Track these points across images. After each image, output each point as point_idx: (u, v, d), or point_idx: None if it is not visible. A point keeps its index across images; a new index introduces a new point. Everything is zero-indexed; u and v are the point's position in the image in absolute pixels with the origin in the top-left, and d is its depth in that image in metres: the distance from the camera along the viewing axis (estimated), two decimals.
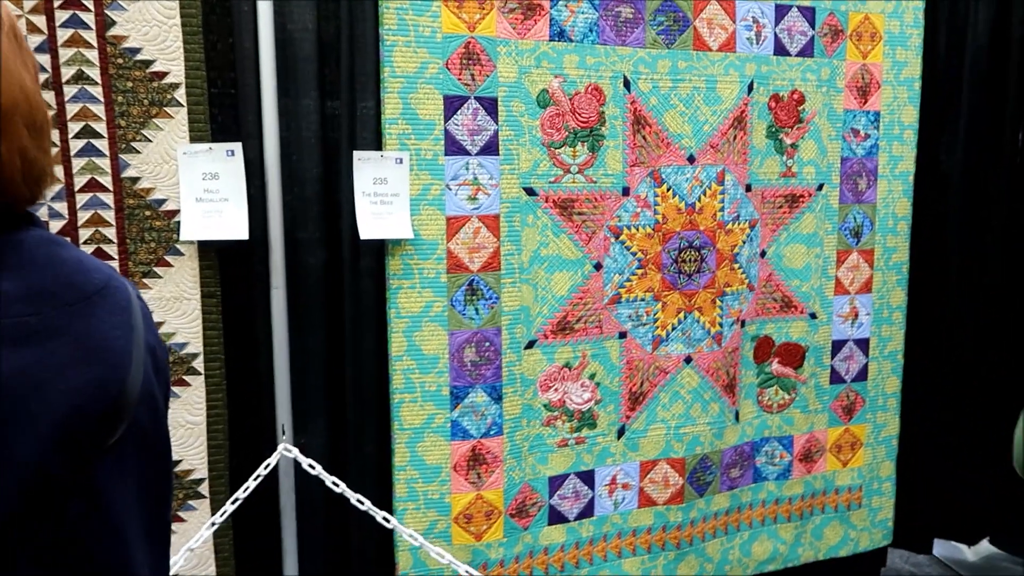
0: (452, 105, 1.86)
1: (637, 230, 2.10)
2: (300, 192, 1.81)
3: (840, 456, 2.46)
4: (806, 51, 2.25)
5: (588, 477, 2.13)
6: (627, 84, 2.04)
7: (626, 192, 2.08)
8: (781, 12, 2.19)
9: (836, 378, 2.43)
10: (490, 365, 1.97)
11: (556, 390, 2.07)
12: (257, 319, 1.79)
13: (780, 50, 2.22)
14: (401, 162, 1.83)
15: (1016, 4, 2.40)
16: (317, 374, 1.88)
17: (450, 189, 1.89)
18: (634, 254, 2.11)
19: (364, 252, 1.86)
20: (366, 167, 1.80)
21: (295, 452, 1.75)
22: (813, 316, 2.38)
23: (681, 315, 2.18)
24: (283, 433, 1.77)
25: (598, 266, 2.07)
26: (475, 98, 1.88)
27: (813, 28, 2.25)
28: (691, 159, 2.13)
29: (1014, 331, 2.52)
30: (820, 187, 2.33)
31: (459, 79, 1.86)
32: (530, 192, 1.97)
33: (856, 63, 2.30)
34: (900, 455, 2.53)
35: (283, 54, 1.73)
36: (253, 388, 1.81)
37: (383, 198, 1.83)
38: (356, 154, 1.78)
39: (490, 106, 1.90)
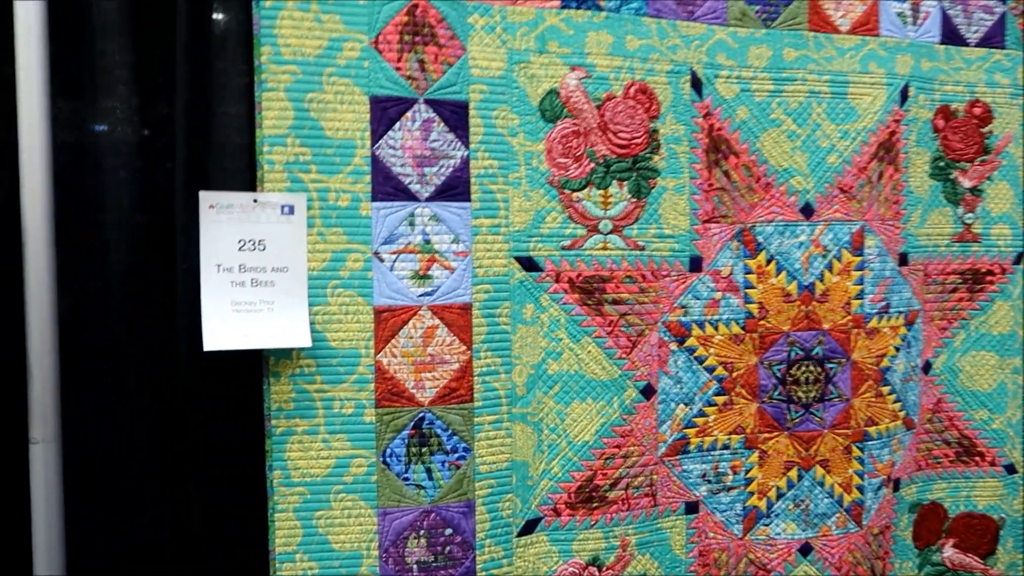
0: (386, 114, 1.06)
1: (716, 329, 1.24)
2: (102, 266, 1.02)
3: None
4: (993, 38, 1.39)
5: None
6: (697, 85, 1.21)
7: (697, 266, 1.22)
8: None
9: None
10: (454, 568, 1.11)
11: None
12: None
13: (951, 36, 1.36)
14: (292, 211, 1.03)
15: None
16: None
17: (381, 260, 1.07)
18: (711, 370, 1.24)
19: (213, 373, 1.05)
20: (224, 220, 1.01)
21: None
22: (1011, 469, 1.43)
23: (793, 473, 1.28)
24: None
25: (649, 391, 1.21)
26: (427, 102, 1.08)
27: (1004, 1, 1.38)
28: (807, 211, 1.27)
29: None
30: (1019, 259, 1.42)
31: (397, 69, 1.06)
32: (528, 265, 1.14)
33: None
34: None
35: (64, 25, 0.97)
36: None
37: (257, 275, 1.03)
38: (205, 197, 0.99)
39: (454, 117, 1.09)
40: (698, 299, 1.23)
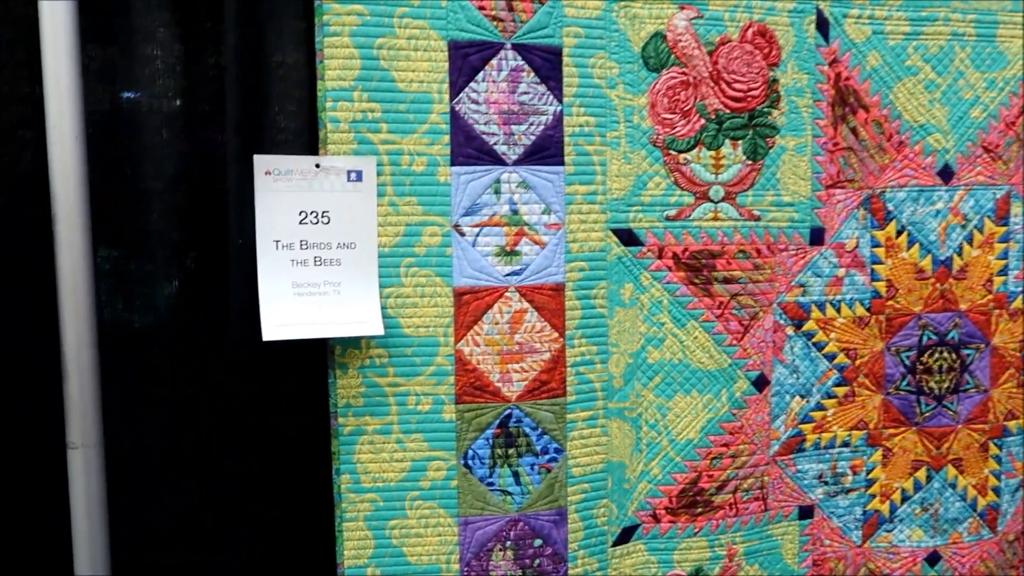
0: (467, 62, 0.90)
1: (838, 311, 1.07)
2: (142, 246, 0.88)
3: None
4: None
5: None
6: (823, 26, 1.03)
7: (818, 238, 1.06)
8: None
9: None
10: None
11: None
12: None
13: None
14: (359, 177, 0.89)
15: None
16: None
17: (462, 234, 0.92)
18: (831, 358, 1.08)
19: (272, 365, 0.91)
20: (282, 189, 0.86)
21: None
22: None
23: (921, 474, 1.13)
24: None
25: (762, 382, 1.06)
26: (515, 48, 0.92)
27: None
28: (946, 174, 1.09)
29: None
30: None
31: (481, 8, 0.90)
32: (628, 239, 0.99)
33: None
34: None
35: None
36: None
37: (321, 253, 0.89)
38: (260, 161, 0.85)
39: (546, 65, 0.93)
40: (819, 276, 1.07)
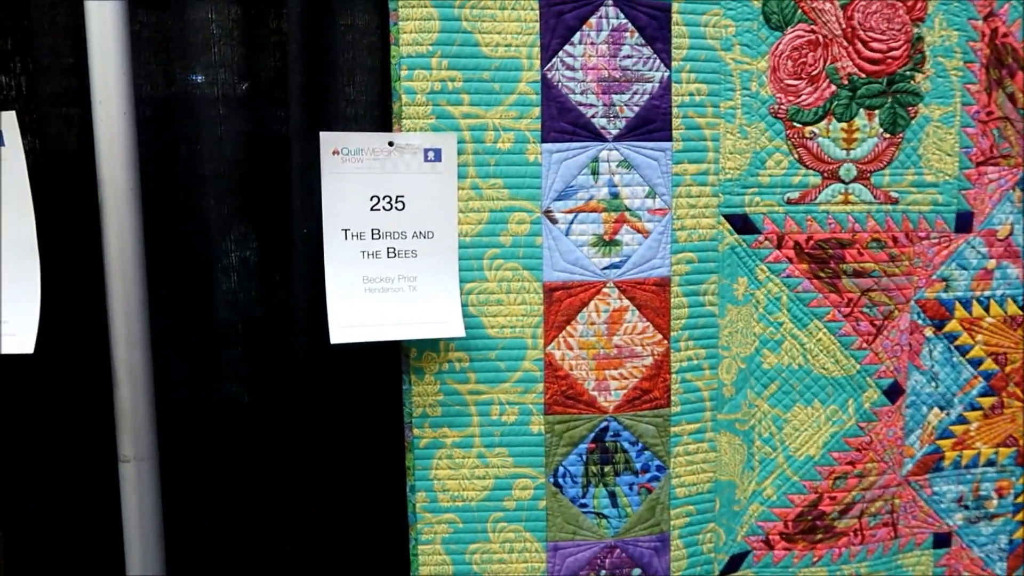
0: (562, 20, 0.78)
1: (986, 310, 0.92)
2: (197, 234, 0.79)
3: None
4: None
5: None
6: None
7: (965, 224, 0.91)
8: None
9: None
10: None
11: None
12: None
13: None
14: (438, 157, 0.77)
15: None
16: None
17: (555, 221, 0.81)
18: (976, 364, 0.93)
19: (340, 368, 0.81)
20: (351, 171, 0.76)
21: None
22: None
23: None
24: None
25: (895, 391, 0.91)
26: (616, 4, 0.79)
27: None
28: None
29: None
30: None
31: None
32: (743, 226, 0.85)
33: None
34: None
35: None
36: None
37: (395, 243, 0.78)
38: (327, 139, 0.74)
39: (653, 24, 0.80)
40: (965, 269, 0.91)
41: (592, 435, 0.84)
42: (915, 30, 0.86)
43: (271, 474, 0.85)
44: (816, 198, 0.86)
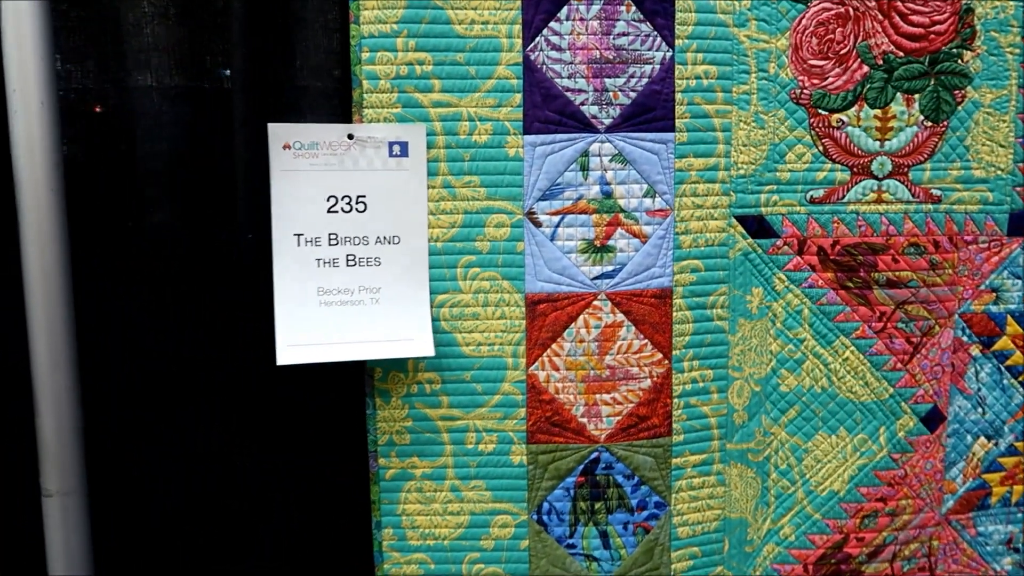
0: None
1: None
2: (127, 244, 0.70)
3: None
4: None
5: None
6: None
7: (1019, 227, 0.78)
8: None
9: None
10: None
11: None
12: None
13: None
14: (405, 151, 0.68)
15: None
16: None
17: (538, 224, 0.70)
18: None
19: (294, 390, 0.72)
20: (305, 168, 0.66)
21: None
22: None
23: None
24: None
25: (935, 418, 0.79)
26: None
27: None
28: None
29: None
30: None
31: None
32: (758, 229, 0.74)
33: None
34: None
35: None
36: None
37: (355, 250, 0.69)
38: (276, 132, 0.65)
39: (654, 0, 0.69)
40: (1019, 278, 0.79)
41: (581, 467, 0.74)
42: (963, 1, 0.74)
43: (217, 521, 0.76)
44: (844, 196, 0.75)
